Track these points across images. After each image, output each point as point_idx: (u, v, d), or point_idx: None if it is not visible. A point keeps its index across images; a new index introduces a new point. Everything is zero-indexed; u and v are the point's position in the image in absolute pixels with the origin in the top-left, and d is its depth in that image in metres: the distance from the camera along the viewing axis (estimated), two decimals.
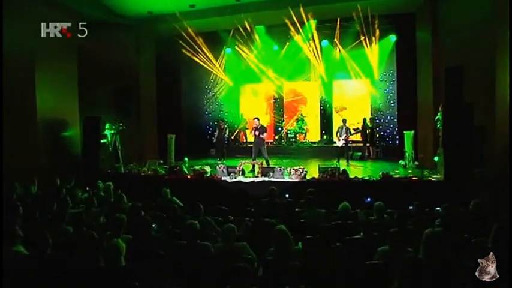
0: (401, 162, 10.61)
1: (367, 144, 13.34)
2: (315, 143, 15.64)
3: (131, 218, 5.13)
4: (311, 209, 5.43)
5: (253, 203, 6.68)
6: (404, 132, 10.63)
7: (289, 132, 15.58)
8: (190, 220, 4.33)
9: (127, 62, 12.41)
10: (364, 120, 13.60)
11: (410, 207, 5.29)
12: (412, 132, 10.45)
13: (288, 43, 15.47)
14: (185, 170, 9.21)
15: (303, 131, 15.50)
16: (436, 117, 8.49)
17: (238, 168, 8.64)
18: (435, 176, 8.35)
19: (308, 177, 8.14)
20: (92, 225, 4.88)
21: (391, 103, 14.92)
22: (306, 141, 15.44)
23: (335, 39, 15.10)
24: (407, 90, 11.74)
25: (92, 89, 11.92)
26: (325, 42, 15.56)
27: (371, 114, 14.94)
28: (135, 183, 9.42)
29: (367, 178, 7.83)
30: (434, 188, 7.26)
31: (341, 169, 8.01)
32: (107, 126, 11.18)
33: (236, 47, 16.03)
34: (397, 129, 14.35)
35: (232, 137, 16.82)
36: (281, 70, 16.17)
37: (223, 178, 8.47)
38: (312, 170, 9.82)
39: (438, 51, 10.36)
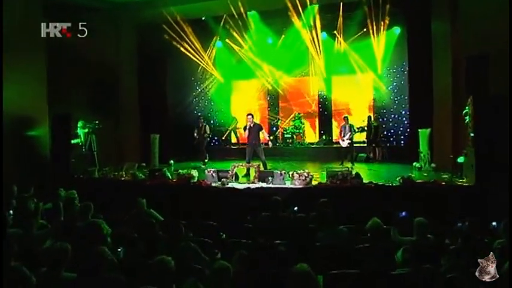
0: (415, 164, 9.39)
1: (373, 145, 12.12)
2: (313, 143, 14.40)
3: (87, 241, 3.82)
4: (329, 226, 4.13)
5: (250, 215, 5.38)
6: (419, 130, 9.41)
7: (285, 132, 14.29)
8: (163, 254, 2.98)
9: (105, 52, 11.00)
10: (369, 118, 12.40)
11: (459, 224, 4.05)
12: (428, 130, 9.24)
13: (284, 33, 14.27)
14: (168, 174, 7.86)
15: (300, 131, 14.24)
16: (464, 111, 7.30)
17: (230, 172, 7.33)
18: (461, 180, 7.15)
19: (314, 182, 6.86)
20: (29, 255, 3.52)
21: (396, 99, 13.75)
22: (303, 142, 14.19)
23: (335, 31, 13.93)
24: (420, 84, 10.54)
25: (65, 83, 10.49)
26: (324, 34, 14.36)
27: (374, 111, 13.76)
28: (108, 190, 8.06)
29: (385, 183, 6.57)
30: (468, 194, 6.02)
31: (353, 172, 6.74)
32: (79, 124, 9.80)
33: (227, 40, 14.83)
34: (406, 127, 13.23)
35: (223, 138, 15.56)
36: (277, 63, 14.93)
37: (212, 184, 7.14)
38: (314, 173, 8.57)
39: (457, 40, 9.19)
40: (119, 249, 4.06)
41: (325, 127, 14.93)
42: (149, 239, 4.48)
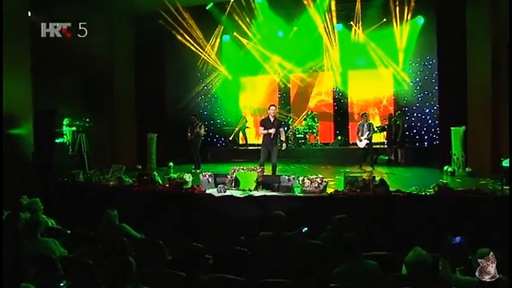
0: (447, 168, 8.08)
1: (394, 146, 10.82)
2: (327, 144, 13.16)
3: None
4: (350, 256, 2.95)
5: (248, 233, 4.24)
6: (452, 128, 8.09)
7: (297, 131, 13.09)
8: None
9: (98, 45, 10.00)
10: (391, 116, 11.10)
11: None
12: (463, 128, 7.91)
13: (296, 24, 13.12)
14: (158, 179, 6.77)
15: (314, 131, 13.02)
16: None
17: (229, 177, 6.19)
18: (505, 188, 5.84)
19: (328, 190, 5.66)
20: None
21: (420, 95, 12.43)
22: (317, 143, 12.96)
23: (352, 22, 12.73)
24: (451, 78, 9.19)
25: (53, 78, 9.54)
26: (339, 26, 13.16)
27: (395, 109, 12.46)
28: (90, 196, 7.05)
29: (417, 192, 5.31)
30: None
31: (376, 178, 5.51)
32: (65, 122, 8.82)
33: (235, 33, 13.78)
34: (431, 126, 11.92)
35: (230, 138, 14.47)
36: (288, 57, 13.80)
37: (208, 191, 6.02)
38: (329, 179, 7.37)
39: (497, 27, 7.87)
40: (62, 284, 2.99)
41: (341, 126, 13.70)
42: (115, 264, 3.39)
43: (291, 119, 13.71)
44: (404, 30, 12.12)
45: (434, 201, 5.05)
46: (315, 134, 13.05)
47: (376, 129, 9.64)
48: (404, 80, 12.57)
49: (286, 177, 5.72)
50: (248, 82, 15.01)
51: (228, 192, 5.86)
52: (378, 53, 12.61)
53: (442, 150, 9.01)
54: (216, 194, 5.88)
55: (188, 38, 11.53)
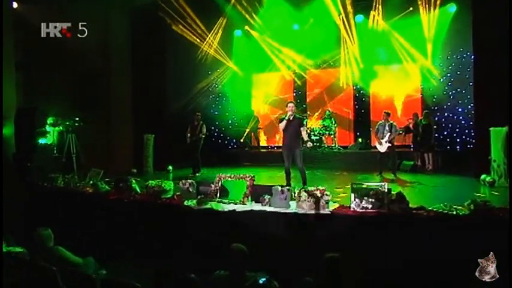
0: (485, 177, 6.67)
1: (421, 150, 9.44)
2: (346, 147, 11.90)
3: None
4: None
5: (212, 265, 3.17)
6: (491, 129, 6.69)
7: (312, 133, 11.90)
8: None
9: (93, 39, 9.21)
10: (416, 116, 9.72)
11: None
12: (505, 129, 6.50)
13: (311, 16, 12.01)
14: (136, 186, 5.83)
15: (331, 132, 11.78)
16: None
17: (214, 185, 5.16)
18: None
19: (332, 206, 4.51)
20: None
21: (452, 93, 10.98)
22: (334, 146, 11.73)
23: (373, 12, 11.47)
24: (491, 73, 7.73)
25: (45, 76, 8.88)
26: (360, 17, 11.94)
27: (423, 108, 11.05)
28: (63, 204, 6.25)
29: (447, 211, 4.05)
30: None
31: (393, 192, 4.30)
32: (49, 121, 8.08)
33: (247, 27, 12.83)
34: (464, 128, 10.46)
35: (242, 140, 13.48)
36: (304, 53, 12.68)
37: (186, 203, 5.01)
38: (340, 190, 6.23)
39: None
40: None
41: (362, 128, 12.41)
42: None
43: (306, 119, 12.51)
44: (433, 20, 10.76)
45: (469, 225, 3.80)
46: (332, 136, 11.81)
47: (399, 130, 8.32)
48: (434, 76, 11.15)
49: (279, 189, 4.61)
50: (260, 79, 13.98)
51: (209, 205, 4.82)
52: (403, 46, 11.27)
53: (478, 155, 7.59)
54: (195, 208, 4.86)
55: (190, 31, 10.63)
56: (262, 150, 13.20)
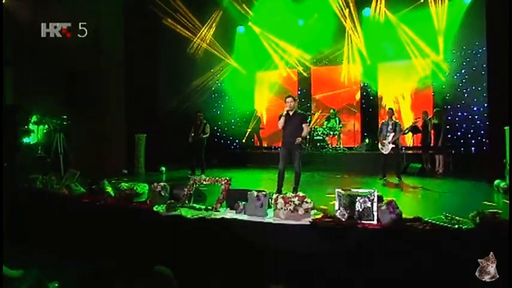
0: (499, 183, 5.94)
1: (431, 152, 8.74)
2: (351, 148, 11.25)
3: None
4: None
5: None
6: (505, 128, 5.98)
7: (315, 133, 11.29)
8: None
9: (84, 37, 8.84)
10: (425, 114, 9.02)
11: None
12: None
13: (315, 11, 11.47)
14: (109, 189, 5.38)
15: (336, 133, 11.15)
16: None
17: (187, 189, 4.65)
18: None
19: (315, 214, 3.93)
20: None
21: (466, 90, 10.26)
22: (339, 147, 11.09)
23: (380, 5, 10.83)
24: (506, 70, 6.99)
25: (33, 72, 8.54)
26: (367, 10, 11.31)
27: (434, 107, 10.32)
28: (36, 208, 5.86)
29: (448, 224, 3.42)
30: None
31: (385, 200, 3.70)
32: (33, 119, 7.74)
33: (250, 23, 12.39)
34: (480, 128, 9.71)
35: (244, 140, 13.01)
36: (308, 48, 12.11)
37: (155, 208, 4.52)
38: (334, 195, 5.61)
39: None
40: None
41: (369, 128, 11.72)
42: None
43: (309, 118, 11.89)
44: (445, 12, 10.06)
45: (473, 242, 3.17)
46: (336, 136, 11.18)
47: (404, 130, 7.61)
48: (446, 72, 10.41)
49: (255, 195, 4.06)
50: (264, 77, 13.46)
51: (178, 211, 4.31)
52: (413, 41, 10.58)
53: (492, 158, 6.85)
54: (163, 214, 4.36)
55: (184, 27, 10.19)
56: (264, 151, 12.67)
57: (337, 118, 11.21)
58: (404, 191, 6.26)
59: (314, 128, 11.42)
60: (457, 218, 3.58)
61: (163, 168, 9.32)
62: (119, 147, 9.38)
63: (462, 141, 10.18)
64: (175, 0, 9.62)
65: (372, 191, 3.74)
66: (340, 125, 11.17)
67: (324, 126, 11.29)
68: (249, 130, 12.79)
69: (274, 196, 4.00)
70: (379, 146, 7.56)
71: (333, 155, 10.60)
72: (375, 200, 3.68)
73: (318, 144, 11.11)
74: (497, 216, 3.44)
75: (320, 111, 12.05)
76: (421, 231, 3.36)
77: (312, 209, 3.93)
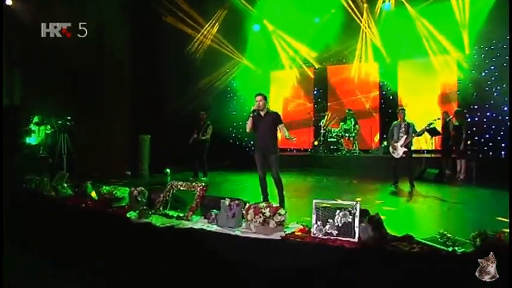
0: None
1: (452, 156, 7.99)
2: (368, 151, 10.60)
3: None
4: None
5: None
6: None
7: (329, 134, 10.74)
8: None
9: (88, 37, 8.77)
10: (446, 115, 8.27)
11: None
12: None
13: (332, 7, 10.94)
14: (92, 192, 5.18)
15: (352, 134, 10.55)
16: None
17: (163, 195, 4.34)
18: None
19: (292, 228, 3.49)
20: None
21: (495, 89, 9.41)
22: (354, 149, 10.48)
23: None
24: None
25: (38, 74, 8.56)
26: (387, 5, 10.63)
27: (459, 107, 9.51)
28: (28, 208, 5.78)
29: (441, 246, 2.88)
30: None
31: (365, 218, 3.19)
32: (35, 119, 7.74)
33: (265, 21, 12.04)
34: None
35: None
36: (324, 46, 11.57)
37: (129, 214, 4.24)
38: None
39: None
40: None
41: (388, 129, 10.97)
42: None
43: (323, 119, 11.34)
44: (467, 4, 9.24)
45: (467, 271, 2.63)
46: (351, 139, 10.57)
47: (418, 131, 6.91)
48: (472, 70, 9.57)
49: (227, 203, 3.67)
50: (278, 76, 13.05)
51: (150, 219, 4.00)
52: (435, 36, 9.83)
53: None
54: (134, 221, 4.07)
55: (190, 24, 9.96)
56: (280, 153, 12.22)
57: (353, 119, 10.60)
58: (411, 201, 5.66)
59: (328, 129, 10.87)
60: (455, 238, 3.03)
61: (168, 170, 9.13)
62: (123, 148, 9.28)
63: (491, 144, 9.30)
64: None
65: (354, 203, 3.25)
66: (356, 127, 10.55)
67: (339, 128, 10.72)
68: None
69: (247, 206, 3.61)
70: (390, 149, 6.95)
71: (347, 159, 10.02)
72: (357, 214, 3.20)
73: (332, 146, 10.55)
74: (503, 239, 2.86)
75: (329, 114, 11.42)
76: (405, 253, 2.84)
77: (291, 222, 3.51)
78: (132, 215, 4.20)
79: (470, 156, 7.84)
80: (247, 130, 5.16)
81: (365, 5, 10.72)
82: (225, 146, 11.42)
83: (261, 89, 12.75)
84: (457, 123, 7.81)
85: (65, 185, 5.82)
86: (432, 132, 7.83)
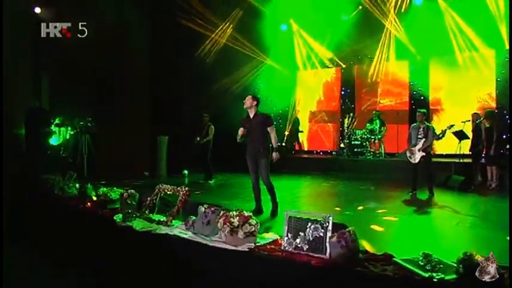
0: None
1: (483, 161, 7.29)
2: (394, 155, 10.00)
3: None
4: None
5: None
6: None
7: (353, 137, 10.28)
8: None
9: (111, 40, 9.02)
10: (477, 116, 7.58)
11: None
12: None
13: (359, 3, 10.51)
14: (92, 193, 5.28)
15: (378, 137, 10.02)
16: None
17: (149, 198, 4.30)
18: None
19: (266, 238, 3.29)
20: None
21: None
22: (379, 153, 9.94)
23: None
24: None
25: (62, 77, 8.93)
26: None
27: (497, 108, 8.70)
28: (39, 207, 6.03)
29: (417, 269, 2.54)
30: None
31: (349, 230, 2.91)
32: (56, 121, 8.09)
33: (292, 21, 11.85)
34: None
35: (283, 144, 12.38)
36: (351, 44, 11.12)
37: (115, 217, 4.25)
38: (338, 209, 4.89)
39: None
40: None
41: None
42: None
43: (348, 119, 10.88)
44: None
45: None
46: (376, 142, 10.04)
47: (438, 134, 6.32)
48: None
49: (203, 209, 3.54)
50: (304, 76, 12.74)
51: (132, 223, 3.98)
52: (466, 32, 9.05)
53: None
54: (119, 224, 4.07)
55: (207, 25, 9.94)
56: (304, 155, 11.94)
57: (379, 120, 10.06)
58: (419, 211, 5.18)
59: (352, 130, 10.41)
60: (439, 261, 2.64)
61: (185, 172, 9.19)
62: (141, 149, 9.42)
63: None
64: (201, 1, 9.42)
65: (327, 215, 2.98)
66: (383, 129, 10.00)
67: (364, 129, 10.22)
68: (287, 133, 12.15)
69: (221, 213, 3.45)
70: (407, 154, 6.47)
71: (370, 163, 9.52)
72: (329, 228, 2.93)
73: (356, 149, 10.08)
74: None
75: (353, 114, 10.93)
76: (374, 275, 2.54)
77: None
78: (118, 217, 4.21)
79: (502, 162, 7.09)
80: (238, 139, 4.96)
81: (393, 0, 10.14)
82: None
83: (287, 89, 12.55)
84: (488, 125, 7.10)
85: (71, 185, 6.02)
86: (460, 135, 7.19)
